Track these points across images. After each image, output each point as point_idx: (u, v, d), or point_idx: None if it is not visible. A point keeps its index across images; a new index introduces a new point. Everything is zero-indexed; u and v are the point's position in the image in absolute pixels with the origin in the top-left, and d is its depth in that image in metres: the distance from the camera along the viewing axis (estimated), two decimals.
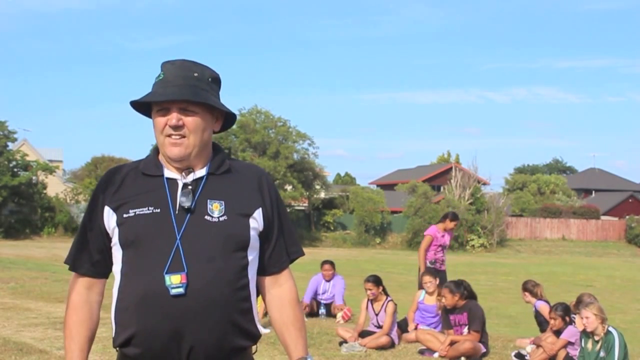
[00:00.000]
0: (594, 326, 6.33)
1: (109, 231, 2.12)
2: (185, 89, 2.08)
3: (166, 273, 2.01)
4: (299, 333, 2.23)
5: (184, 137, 2.09)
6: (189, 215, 2.08)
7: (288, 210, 37.58)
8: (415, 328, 8.64)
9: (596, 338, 6.39)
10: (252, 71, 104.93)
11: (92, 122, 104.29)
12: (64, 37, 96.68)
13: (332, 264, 10.72)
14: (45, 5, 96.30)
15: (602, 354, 6.30)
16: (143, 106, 2.18)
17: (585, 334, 6.53)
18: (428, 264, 9.65)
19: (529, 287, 8.45)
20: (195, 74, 2.13)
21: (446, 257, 9.98)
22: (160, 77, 2.12)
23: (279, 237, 2.24)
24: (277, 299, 2.24)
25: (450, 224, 9.81)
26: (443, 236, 9.77)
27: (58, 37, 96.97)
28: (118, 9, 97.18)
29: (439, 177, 54.43)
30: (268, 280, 2.24)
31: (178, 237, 2.05)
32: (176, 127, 2.08)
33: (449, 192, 41.92)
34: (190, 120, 2.09)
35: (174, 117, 2.07)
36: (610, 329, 6.38)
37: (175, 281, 2.00)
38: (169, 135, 2.09)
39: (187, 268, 2.02)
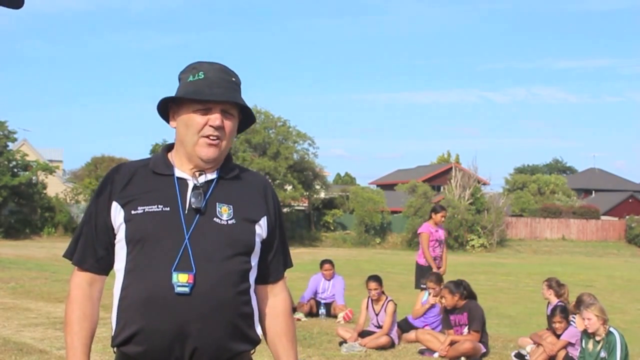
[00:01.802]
0: (595, 327, 6.34)
1: (115, 227, 2.11)
2: (231, 92, 2.12)
3: (174, 270, 2.01)
4: (290, 344, 2.25)
5: (220, 139, 2.11)
6: (198, 216, 2.08)
7: (288, 210, 37.43)
8: (423, 327, 8.65)
9: (597, 339, 6.40)
10: (252, 71, 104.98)
11: (92, 122, 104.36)
12: (64, 37, 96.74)
13: (332, 263, 10.74)
14: (45, 5, 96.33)
15: (602, 354, 6.31)
16: (164, 105, 2.18)
17: (586, 334, 6.54)
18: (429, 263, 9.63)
19: (554, 286, 8.23)
20: (233, 79, 2.17)
21: (444, 253, 9.87)
22: (201, 77, 2.12)
23: (279, 247, 2.27)
24: (271, 309, 2.26)
25: (438, 217, 9.78)
26: (437, 231, 9.73)
27: (58, 37, 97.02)
28: (118, 9, 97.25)
29: (439, 177, 54.42)
30: (264, 290, 2.26)
31: (187, 237, 2.05)
32: (218, 128, 2.10)
33: (449, 192, 41.90)
34: (228, 124, 2.13)
35: (218, 118, 2.09)
36: (612, 329, 6.39)
37: (182, 280, 2.00)
38: (207, 136, 2.10)
39: (195, 268, 2.02)
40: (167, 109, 2.20)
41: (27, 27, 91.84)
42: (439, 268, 9.58)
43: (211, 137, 2.10)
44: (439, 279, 8.92)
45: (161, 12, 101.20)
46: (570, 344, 7.16)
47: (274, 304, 2.26)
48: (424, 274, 9.39)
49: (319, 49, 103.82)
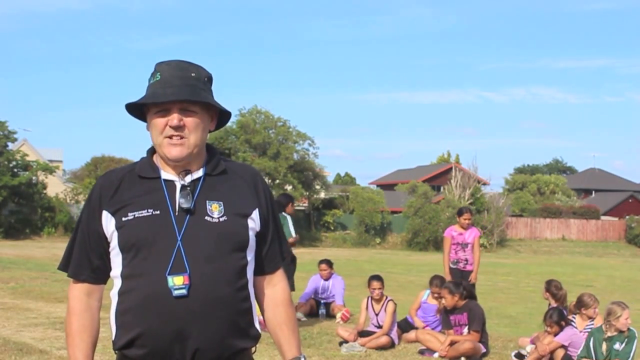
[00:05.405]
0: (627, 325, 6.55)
1: (108, 235, 2.11)
2: (185, 89, 2.07)
3: (168, 274, 2.01)
4: (292, 333, 2.25)
5: (183, 137, 2.08)
6: (188, 216, 2.07)
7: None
8: (424, 327, 8.63)
9: (609, 334, 6.53)
10: (252, 71, 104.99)
11: (92, 122, 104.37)
12: (63, 37, 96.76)
13: (328, 262, 10.70)
14: (44, 5, 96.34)
15: (617, 346, 6.44)
16: (136, 108, 2.16)
17: (597, 335, 6.63)
18: (450, 265, 9.56)
19: (552, 290, 8.24)
20: (193, 74, 2.12)
21: (473, 256, 9.54)
22: (157, 78, 2.10)
23: (274, 237, 2.26)
24: (270, 299, 2.26)
25: (461, 220, 9.65)
26: (460, 234, 9.57)
27: (58, 37, 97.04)
28: (117, 9, 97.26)
29: (439, 177, 54.42)
30: (262, 281, 2.26)
31: (179, 238, 2.04)
32: (177, 128, 2.06)
33: (449, 192, 41.90)
34: (190, 121, 2.08)
35: (175, 118, 2.06)
36: (631, 327, 6.62)
37: (177, 282, 2.00)
38: (170, 137, 2.08)
39: (190, 269, 2.02)
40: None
41: (27, 27, 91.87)
42: (463, 270, 9.46)
43: (173, 137, 2.07)
44: (443, 282, 8.89)
45: (161, 12, 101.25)
46: (563, 346, 7.19)
47: (274, 294, 2.26)
48: (455, 276, 9.27)
49: (319, 49, 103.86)
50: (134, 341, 2.04)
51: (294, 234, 9.20)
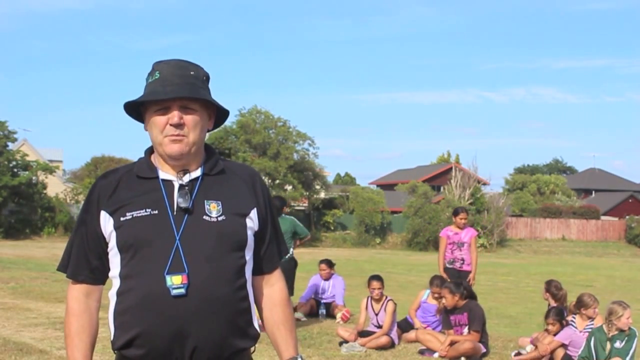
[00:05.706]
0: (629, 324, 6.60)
1: (106, 236, 2.10)
2: (185, 87, 2.08)
3: (167, 274, 2.01)
4: (289, 333, 2.25)
5: (183, 135, 2.08)
6: (187, 215, 2.07)
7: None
8: (425, 328, 8.62)
9: (609, 334, 6.56)
10: (252, 71, 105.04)
11: (92, 122, 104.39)
12: (63, 37, 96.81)
13: (328, 262, 10.70)
14: (45, 5, 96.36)
15: (617, 344, 6.46)
16: (134, 108, 2.16)
17: (597, 333, 6.65)
18: (447, 264, 9.56)
19: (552, 290, 8.24)
20: (192, 72, 2.13)
21: (471, 256, 9.46)
22: (157, 77, 2.10)
23: (272, 237, 2.26)
24: (268, 299, 2.26)
25: (457, 220, 9.65)
26: (456, 234, 9.55)
27: (58, 37, 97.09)
28: (117, 9, 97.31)
29: (439, 177, 54.43)
30: (260, 280, 2.25)
31: (177, 238, 2.04)
32: (178, 125, 2.07)
33: (449, 192, 41.88)
34: (190, 118, 2.09)
35: (175, 116, 2.06)
36: (631, 327, 6.67)
37: (176, 282, 2.00)
38: (170, 135, 2.08)
39: (188, 268, 2.02)
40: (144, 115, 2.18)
41: (27, 27, 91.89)
42: (460, 270, 9.44)
43: (173, 135, 2.07)
44: (443, 282, 8.88)
45: (161, 12, 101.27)
46: (564, 345, 7.20)
47: (271, 294, 2.26)
48: (452, 276, 9.26)
49: (319, 49, 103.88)
50: (132, 341, 2.03)
51: (307, 231, 9.51)
